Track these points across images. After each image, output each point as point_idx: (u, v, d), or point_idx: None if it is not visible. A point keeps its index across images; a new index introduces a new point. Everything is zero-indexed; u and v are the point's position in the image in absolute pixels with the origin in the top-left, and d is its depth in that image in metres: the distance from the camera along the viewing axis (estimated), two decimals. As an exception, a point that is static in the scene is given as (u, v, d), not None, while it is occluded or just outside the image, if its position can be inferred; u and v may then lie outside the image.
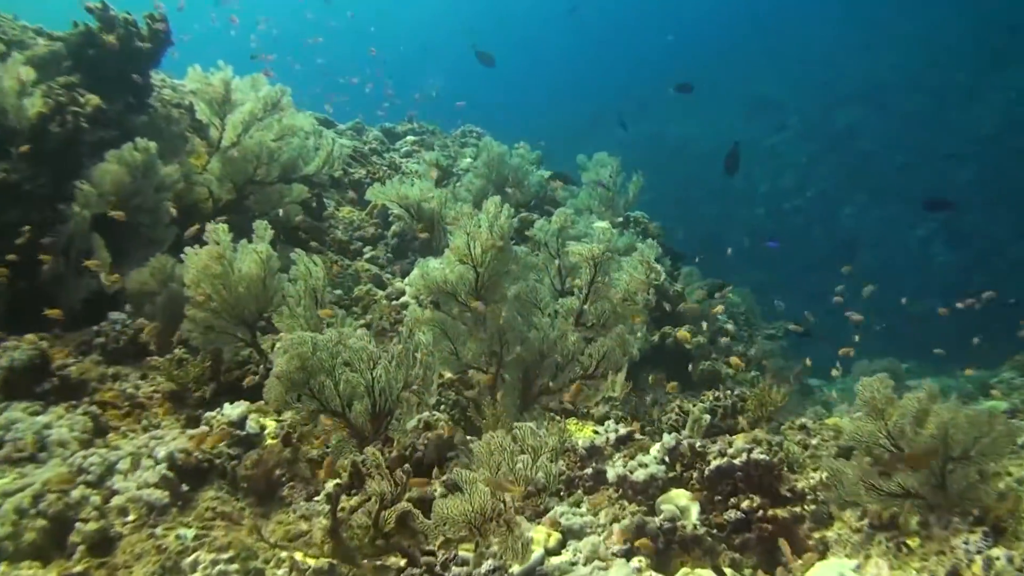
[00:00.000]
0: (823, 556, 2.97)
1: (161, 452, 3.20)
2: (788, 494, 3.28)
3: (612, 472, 3.44)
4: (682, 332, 6.32)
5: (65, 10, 5.94)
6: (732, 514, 3.14)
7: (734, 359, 6.08)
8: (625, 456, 3.62)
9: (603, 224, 5.22)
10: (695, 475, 3.40)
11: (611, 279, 4.35)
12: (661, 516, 3.10)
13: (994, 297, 7.77)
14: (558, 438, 2.61)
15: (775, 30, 27.16)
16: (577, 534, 3.08)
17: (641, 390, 5.31)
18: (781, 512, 3.15)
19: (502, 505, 2.47)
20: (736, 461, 3.30)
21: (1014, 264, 16.99)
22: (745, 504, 3.17)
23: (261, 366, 4.07)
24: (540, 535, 2.98)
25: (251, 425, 3.54)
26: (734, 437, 3.69)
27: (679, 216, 15.41)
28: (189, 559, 2.65)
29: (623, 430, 3.89)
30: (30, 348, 3.76)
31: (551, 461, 2.50)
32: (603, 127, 20.43)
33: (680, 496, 3.27)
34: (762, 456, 3.30)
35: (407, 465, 2.93)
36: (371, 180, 7.96)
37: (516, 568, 2.64)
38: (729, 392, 4.70)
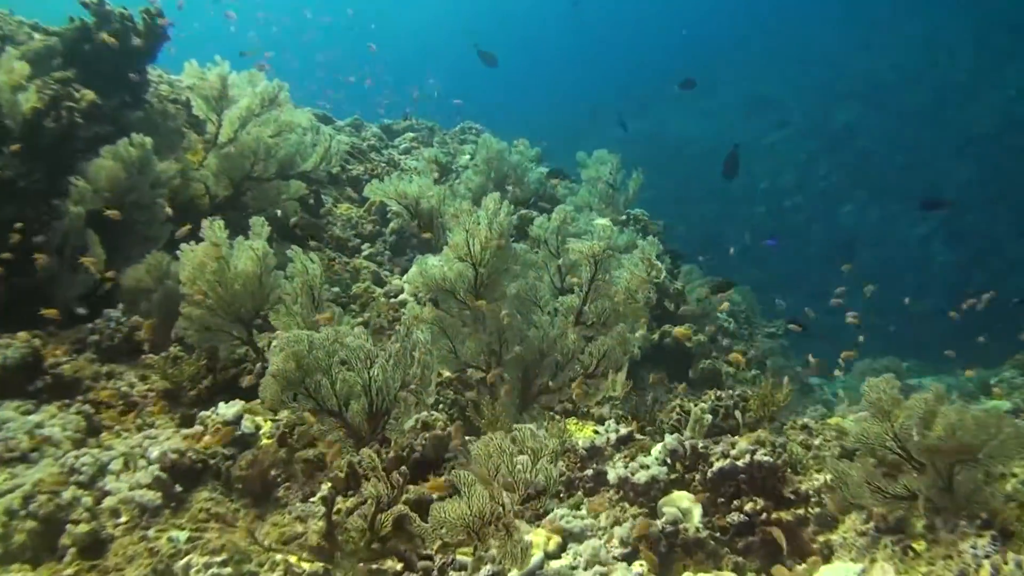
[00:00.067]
0: (828, 560, 2.92)
1: (155, 452, 3.15)
2: (792, 496, 3.23)
3: (613, 473, 3.39)
4: (680, 330, 6.26)
5: (61, 5, 5.88)
6: (735, 517, 3.09)
7: (734, 355, 6.02)
8: (626, 457, 3.57)
9: (603, 221, 5.16)
10: (697, 477, 3.35)
11: (612, 277, 4.30)
12: (663, 519, 3.05)
13: (994, 297, 7.75)
14: (558, 439, 2.55)
15: (775, 29, 27.07)
16: (578, 537, 3.03)
17: (641, 389, 5.26)
18: (785, 515, 3.11)
19: (501, 508, 2.42)
20: (739, 463, 3.25)
21: (1013, 263, 16.97)
22: (748, 507, 3.12)
23: (257, 364, 4.02)
24: (540, 538, 2.93)
25: (246, 425, 3.49)
26: (737, 438, 3.63)
27: (679, 214, 15.35)
28: (182, 562, 2.60)
29: (624, 430, 3.84)
30: (23, 346, 3.72)
31: (551, 463, 2.45)
32: (602, 123, 20.35)
33: (682, 498, 3.22)
34: (766, 458, 3.25)
35: (404, 467, 2.88)
36: (369, 177, 7.89)
37: (515, 573, 2.59)
38: (730, 392, 4.65)
